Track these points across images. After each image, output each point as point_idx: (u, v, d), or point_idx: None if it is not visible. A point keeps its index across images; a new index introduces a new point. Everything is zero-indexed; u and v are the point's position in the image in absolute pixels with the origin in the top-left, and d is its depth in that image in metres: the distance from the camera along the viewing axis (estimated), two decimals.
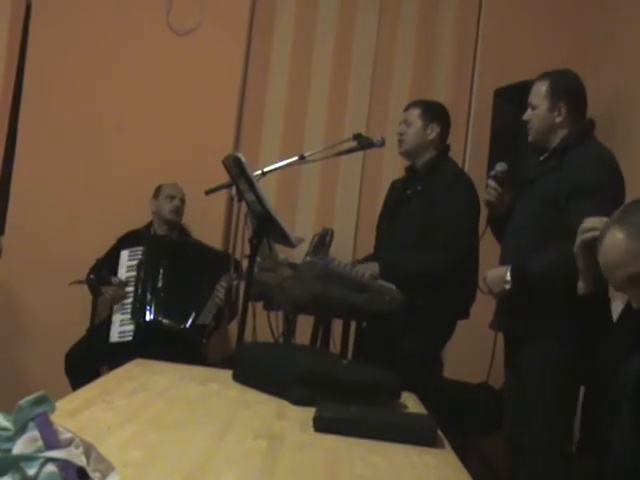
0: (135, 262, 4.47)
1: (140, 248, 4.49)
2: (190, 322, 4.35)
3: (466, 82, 4.97)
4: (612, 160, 3.04)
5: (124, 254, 4.51)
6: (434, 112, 3.79)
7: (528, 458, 3.06)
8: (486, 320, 3.30)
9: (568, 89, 3.16)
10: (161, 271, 4.44)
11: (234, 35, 5.06)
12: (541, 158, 3.18)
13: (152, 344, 4.08)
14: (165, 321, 4.35)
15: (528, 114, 3.19)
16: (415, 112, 3.78)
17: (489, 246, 3.47)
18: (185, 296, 4.40)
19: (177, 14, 5.04)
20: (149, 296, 4.40)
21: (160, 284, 4.42)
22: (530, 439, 3.04)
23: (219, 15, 5.03)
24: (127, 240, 4.61)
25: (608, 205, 2.92)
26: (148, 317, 4.36)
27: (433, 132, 3.74)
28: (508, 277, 3.00)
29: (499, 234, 3.33)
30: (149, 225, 4.75)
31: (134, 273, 4.44)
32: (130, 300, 4.40)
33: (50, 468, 1.04)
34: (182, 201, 4.70)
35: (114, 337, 4.36)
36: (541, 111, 3.14)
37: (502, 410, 3.41)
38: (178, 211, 4.68)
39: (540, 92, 3.15)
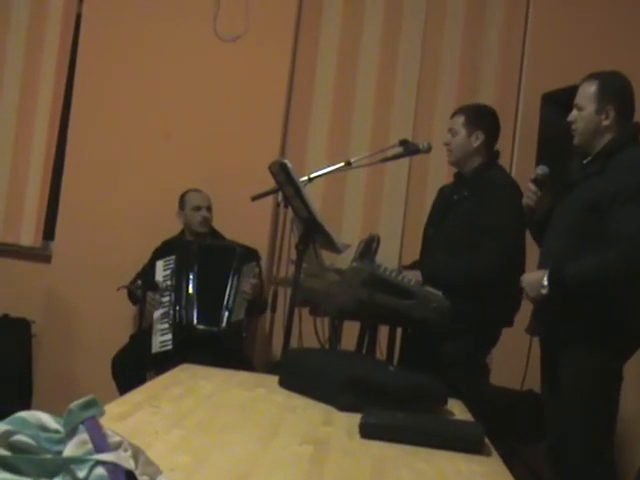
0: (169, 271, 4.51)
1: (173, 257, 4.54)
2: (224, 322, 4.39)
3: (513, 86, 4.93)
4: None
5: (159, 264, 4.55)
6: (478, 119, 3.74)
7: (568, 467, 3.03)
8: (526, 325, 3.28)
9: (617, 92, 3.08)
10: (191, 277, 4.48)
11: (280, 41, 5.07)
12: (584, 162, 3.12)
13: (194, 350, 4.11)
14: (200, 327, 4.39)
15: (573, 115, 3.12)
16: (459, 120, 3.74)
17: (527, 250, 3.45)
18: (216, 298, 4.44)
19: (224, 21, 5.07)
20: (183, 303, 4.44)
21: (192, 290, 4.46)
22: (569, 449, 3.00)
23: (265, 21, 5.05)
24: (161, 250, 4.65)
25: None
26: (184, 324, 4.40)
27: (478, 140, 3.70)
28: (545, 282, 2.96)
29: (539, 238, 3.30)
30: (182, 233, 4.78)
31: (169, 282, 4.48)
32: (167, 309, 4.45)
33: (99, 471, 1.05)
34: (209, 209, 4.71)
35: (155, 348, 4.40)
36: (588, 113, 3.07)
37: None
38: (206, 221, 4.69)
39: (588, 93, 3.08)
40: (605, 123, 3.06)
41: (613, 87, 3.09)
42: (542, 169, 3.22)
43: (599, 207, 2.94)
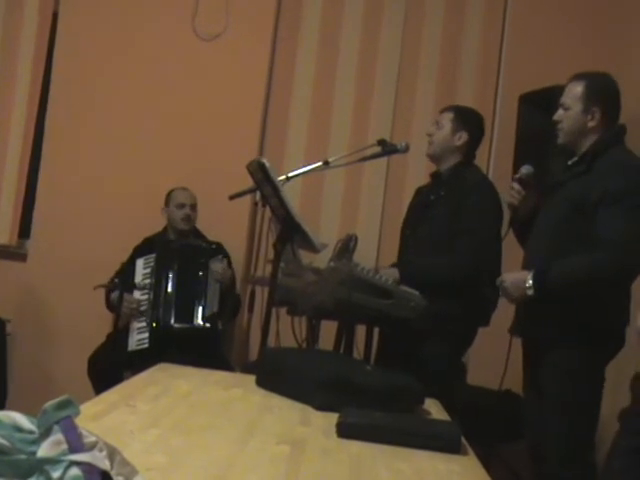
0: (149, 269, 4.50)
1: (153, 255, 4.52)
2: (200, 317, 4.40)
3: (491, 87, 4.95)
4: None
5: (139, 262, 4.54)
6: (466, 120, 3.76)
7: (547, 467, 3.03)
8: (507, 325, 3.28)
9: (604, 93, 3.07)
10: (171, 276, 4.48)
11: (259, 40, 5.06)
12: (569, 162, 3.11)
13: (171, 349, 4.11)
14: (177, 325, 4.39)
15: (559, 114, 3.10)
16: (448, 116, 3.76)
17: (510, 250, 3.44)
18: (191, 295, 4.46)
19: (203, 19, 5.06)
20: (162, 302, 4.44)
21: (171, 289, 4.46)
22: (549, 449, 3.01)
23: (245, 20, 5.04)
24: (142, 248, 4.64)
25: (635, 214, 2.89)
26: (161, 323, 4.39)
27: (461, 139, 3.72)
28: (529, 282, 2.95)
29: (522, 238, 3.29)
30: (164, 231, 4.77)
31: (149, 280, 4.47)
32: (145, 307, 4.43)
33: (74, 471, 1.04)
34: (192, 207, 4.70)
35: (132, 345, 4.40)
36: (574, 113, 3.05)
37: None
38: (189, 219, 4.68)
39: (574, 93, 3.06)
40: (591, 124, 3.04)
41: (600, 88, 3.07)
42: (527, 169, 3.21)
43: (584, 208, 2.93)
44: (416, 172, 4.73)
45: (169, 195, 4.74)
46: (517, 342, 3.29)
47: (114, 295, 4.43)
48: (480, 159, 4.00)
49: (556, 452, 2.98)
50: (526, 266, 3.12)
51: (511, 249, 3.45)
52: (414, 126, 4.86)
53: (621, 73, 3.21)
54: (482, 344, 3.75)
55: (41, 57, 5.22)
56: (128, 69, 5.11)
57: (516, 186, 3.20)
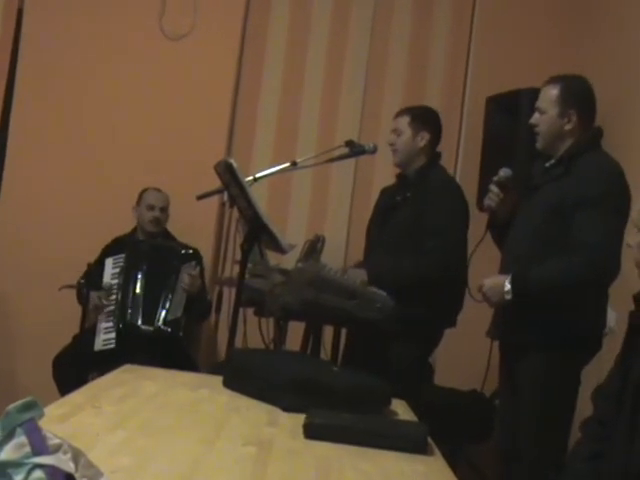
0: (118, 269, 4.47)
1: (123, 255, 4.49)
2: (162, 320, 4.38)
3: (458, 90, 4.98)
4: (619, 173, 2.97)
5: (108, 262, 4.51)
6: (423, 119, 3.76)
7: (518, 468, 3.04)
8: (479, 327, 3.28)
9: (579, 96, 3.06)
10: (140, 277, 4.45)
11: (227, 40, 5.04)
12: (547, 165, 3.10)
13: (137, 350, 4.08)
14: (144, 327, 4.36)
15: (535, 118, 3.10)
16: (404, 120, 3.75)
17: (486, 253, 3.45)
18: (157, 298, 4.43)
19: (170, 19, 5.03)
20: (130, 302, 4.41)
21: (140, 290, 4.44)
22: (522, 450, 3.02)
23: (212, 20, 5.02)
24: (112, 247, 4.61)
25: (612, 218, 2.90)
26: (128, 324, 4.37)
27: (423, 140, 3.73)
28: (507, 287, 2.95)
29: (500, 241, 3.27)
30: (134, 231, 4.73)
31: (117, 280, 4.44)
32: (113, 307, 4.40)
33: (38, 474, 1.03)
34: (162, 210, 4.66)
35: (98, 345, 4.37)
36: (550, 117, 3.05)
37: (493, 418, 3.40)
38: (157, 222, 4.64)
39: (550, 97, 3.05)
40: (567, 127, 3.03)
41: (576, 91, 3.07)
42: (505, 172, 3.17)
43: (562, 211, 2.93)
44: (384, 173, 4.73)
45: (141, 195, 4.69)
46: (487, 344, 3.30)
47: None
48: (447, 160, 4.02)
49: (529, 454, 2.99)
50: (504, 270, 3.11)
51: (486, 252, 3.43)
52: (382, 127, 4.86)
53: (588, 76, 3.23)
54: (455, 345, 3.76)
55: (6, 54, 5.16)
56: (94, 67, 5.06)
57: (495, 189, 3.17)
